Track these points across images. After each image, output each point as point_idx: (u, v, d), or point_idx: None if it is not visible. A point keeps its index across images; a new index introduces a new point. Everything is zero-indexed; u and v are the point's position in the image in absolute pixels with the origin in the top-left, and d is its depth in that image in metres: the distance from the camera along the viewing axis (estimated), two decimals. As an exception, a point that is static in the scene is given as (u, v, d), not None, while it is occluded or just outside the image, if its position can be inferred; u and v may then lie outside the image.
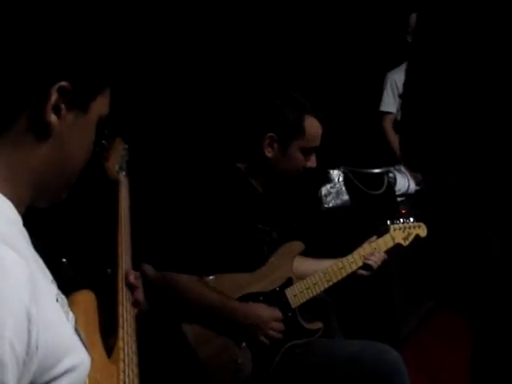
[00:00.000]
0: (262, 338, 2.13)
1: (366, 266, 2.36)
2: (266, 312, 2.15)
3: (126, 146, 1.74)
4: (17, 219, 0.89)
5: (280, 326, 2.16)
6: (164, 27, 3.29)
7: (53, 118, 0.87)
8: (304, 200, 3.04)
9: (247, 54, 3.61)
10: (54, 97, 0.86)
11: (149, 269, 2.10)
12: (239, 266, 2.20)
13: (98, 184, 1.60)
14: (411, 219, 2.51)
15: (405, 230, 2.47)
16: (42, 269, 0.89)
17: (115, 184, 1.59)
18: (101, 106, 0.96)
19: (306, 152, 2.22)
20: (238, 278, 2.20)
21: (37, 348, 0.75)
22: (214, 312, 2.11)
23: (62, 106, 0.88)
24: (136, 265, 1.51)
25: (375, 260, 2.35)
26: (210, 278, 2.16)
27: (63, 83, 0.86)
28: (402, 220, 2.49)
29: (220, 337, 2.12)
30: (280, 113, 2.19)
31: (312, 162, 2.26)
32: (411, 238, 2.48)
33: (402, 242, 2.46)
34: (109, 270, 1.47)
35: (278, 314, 2.17)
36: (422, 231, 2.53)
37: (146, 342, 1.44)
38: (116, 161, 1.63)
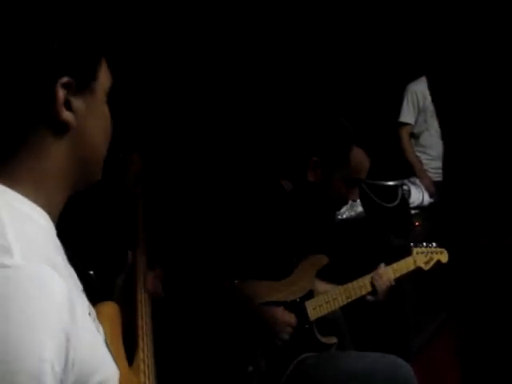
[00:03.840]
0: (276, 340, 2.14)
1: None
2: (283, 316, 2.16)
3: (142, 161, 1.78)
4: (52, 232, 0.89)
5: (290, 331, 2.17)
6: (188, 42, 3.34)
7: (67, 114, 0.87)
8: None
9: (271, 64, 3.66)
10: (60, 94, 0.85)
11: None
12: (266, 276, 2.22)
13: (115, 196, 1.63)
14: (434, 244, 2.51)
15: (427, 255, 2.47)
16: (74, 280, 0.90)
17: (133, 196, 1.61)
18: (103, 78, 0.95)
19: (349, 183, 2.21)
20: (260, 286, 2.21)
21: (73, 365, 0.76)
22: (234, 311, 2.13)
23: (71, 98, 0.87)
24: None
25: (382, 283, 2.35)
26: (234, 282, 2.17)
27: (65, 79, 0.86)
28: (425, 244, 2.50)
29: (237, 341, 2.14)
30: (328, 139, 2.20)
31: (353, 196, 2.26)
32: (432, 262, 2.48)
33: (423, 265, 2.46)
34: (130, 252, 1.49)
35: (293, 320, 2.17)
36: (444, 257, 2.52)
37: (162, 343, 1.46)
38: (133, 174, 1.68)
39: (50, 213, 0.89)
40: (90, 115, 0.91)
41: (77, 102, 0.88)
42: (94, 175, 0.99)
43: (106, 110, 0.97)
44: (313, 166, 2.19)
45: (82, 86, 0.89)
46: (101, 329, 0.90)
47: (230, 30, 3.46)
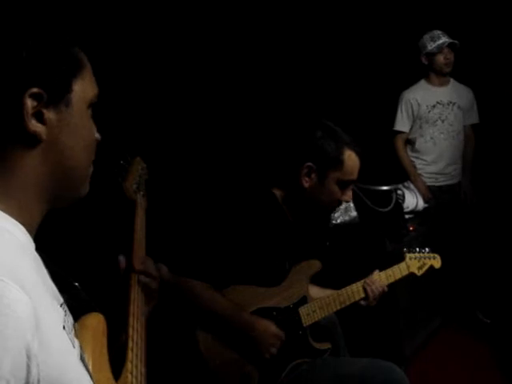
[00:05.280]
0: (265, 354, 2.14)
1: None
2: (272, 329, 2.16)
3: (145, 166, 1.72)
4: (28, 244, 0.88)
5: (278, 345, 2.15)
6: (190, 47, 3.35)
7: (38, 126, 0.86)
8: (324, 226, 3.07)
9: (271, 71, 3.66)
10: (29, 105, 0.84)
11: (163, 269, 2.11)
12: (260, 283, 2.21)
13: (115, 204, 1.60)
14: (427, 249, 2.51)
15: (420, 260, 2.47)
16: (51, 293, 0.87)
17: (132, 204, 1.57)
18: (83, 91, 0.92)
19: (343, 185, 2.20)
20: (254, 292, 2.21)
21: (38, 382, 0.75)
22: (223, 320, 2.11)
23: (43, 110, 0.86)
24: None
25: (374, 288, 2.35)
26: (228, 288, 2.16)
27: (33, 89, 0.84)
28: (418, 249, 2.50)
29: (230, 348, 2.13)
30: (320, 144, 2.18)
31: (347, 197, 2.25)
32: (425, 268, 2.49)
33: (416, 271, 2.46)
34: (120, 257, 1.45)
35: (281, 334, 2.17)
36: (437, 263, 2.53)
37: (157, 347, 1.44)
38: (134, 181, 1.62)
39: (25, 225, 0.87)
40: (66, 127, 0.90)
41: (49, 114, 0.87)
42: (76, 191, 0.97)
43: (86, 122, 0.94)
44: (307, 171, 2.19)
45: (55, 98, 0.88)
46: (76, 343, 0.88)
47: (219, 42, 3.47)
